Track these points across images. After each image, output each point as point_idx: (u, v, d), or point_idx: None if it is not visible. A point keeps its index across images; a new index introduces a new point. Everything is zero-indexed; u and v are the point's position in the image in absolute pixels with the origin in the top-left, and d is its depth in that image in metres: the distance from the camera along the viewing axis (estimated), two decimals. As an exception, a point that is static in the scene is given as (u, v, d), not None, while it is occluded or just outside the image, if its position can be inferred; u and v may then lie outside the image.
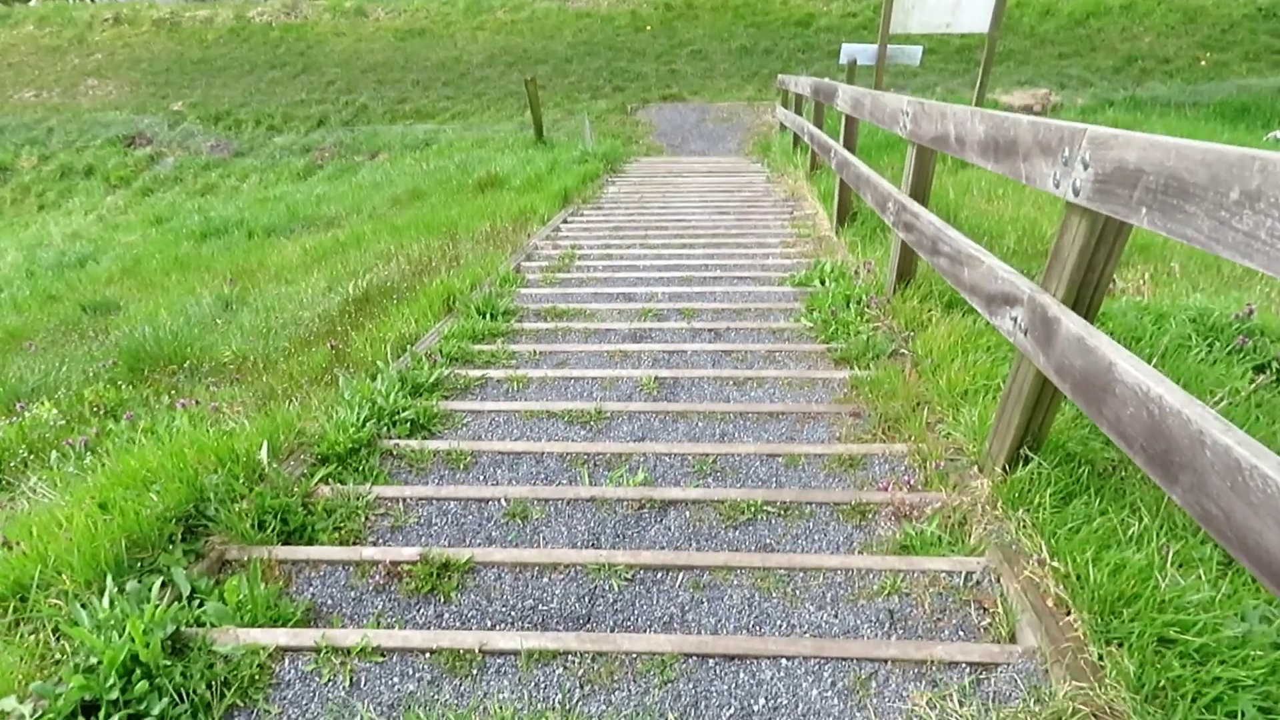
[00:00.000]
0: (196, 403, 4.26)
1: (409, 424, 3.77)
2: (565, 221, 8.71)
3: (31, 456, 3.94)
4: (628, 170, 13.15)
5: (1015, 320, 2.60)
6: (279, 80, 18.73)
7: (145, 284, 8.98)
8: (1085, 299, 2.38)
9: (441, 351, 4.64)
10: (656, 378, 4.26)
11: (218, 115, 17.46)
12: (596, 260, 6.88)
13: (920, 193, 4.34)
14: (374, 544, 2.95)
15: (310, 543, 2.93)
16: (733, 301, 5.62)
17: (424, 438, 3.74)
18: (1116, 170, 1.97)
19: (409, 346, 4.74)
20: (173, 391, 4.76)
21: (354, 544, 2.95)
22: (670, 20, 20.30)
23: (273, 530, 2.90)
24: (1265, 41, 16.52)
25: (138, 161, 16.01)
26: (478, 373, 4.39)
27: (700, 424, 3.79)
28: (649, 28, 20.10)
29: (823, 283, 5.69)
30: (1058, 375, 2.27)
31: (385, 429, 3.72)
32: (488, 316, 5.25)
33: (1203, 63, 16.20)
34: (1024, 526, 2.63)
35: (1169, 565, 2.23)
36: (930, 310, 4.57)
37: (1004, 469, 2.86)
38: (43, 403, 4.65)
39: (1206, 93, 14.87)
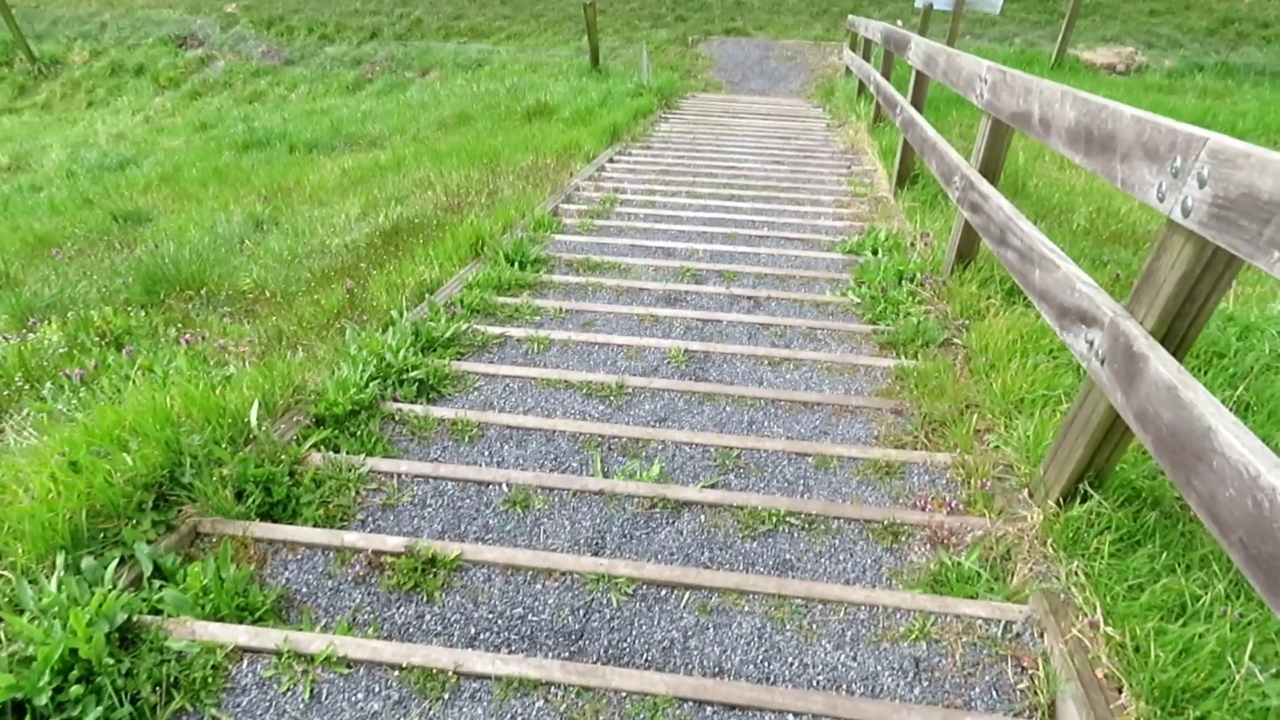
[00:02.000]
0: (203, 338, 4.07)
1: (417, 384, 3.53)
2: (611, 161, 8.34)
3: (27, 386, 3.76)
4: (683, 106, 12.66)
5: (1091, 344, 2.27)
6: (335, -13, 18.34)
7: (181, 194, 8.81)
8: (1179, 333, 2.05)
9: (463, 302, 4.38)
10: (686, 350, 3.97)
11: (270, 20, 17.10)
12: (638, 208, 6.54)
13: (991, 170, 3.95)
14: (362, 522, 2.73)
15: (294, 517, 2.72)
16: (777, 266, 5.28)
17: (431, 401, 3.51)
18: (1244, 197, 1.62)
19: (429, 294, 4.48)
20: (183, 322, 4.56)
21: (341, 522, 2.73)
22: (741, -52, 19.47)
23: (254, 501, 2.68)
24: (1377, 11, 15.43)
25: (188, 63, 15.75)
26: (497, 330, 4.13)
27: (728, 409, 3.50)
28: (719, -45, 19.30)
29: (875, 252, 5.33)
30: (1138, 422, 1.95)
31: (392, 388, 3.48)
32: (516, 265, 4.96)
33: (1306, 30, 15.18)
34: (1076, 575, 2.34)
35: (1248, 654, 1.93)
36: (989, 298, 4.21)
37: (1059, 502, 2.56)
38: (50, 323, 4.48)
39: (1306, 63, 13.94)
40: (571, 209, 6.38)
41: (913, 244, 5.30)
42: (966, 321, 4.14)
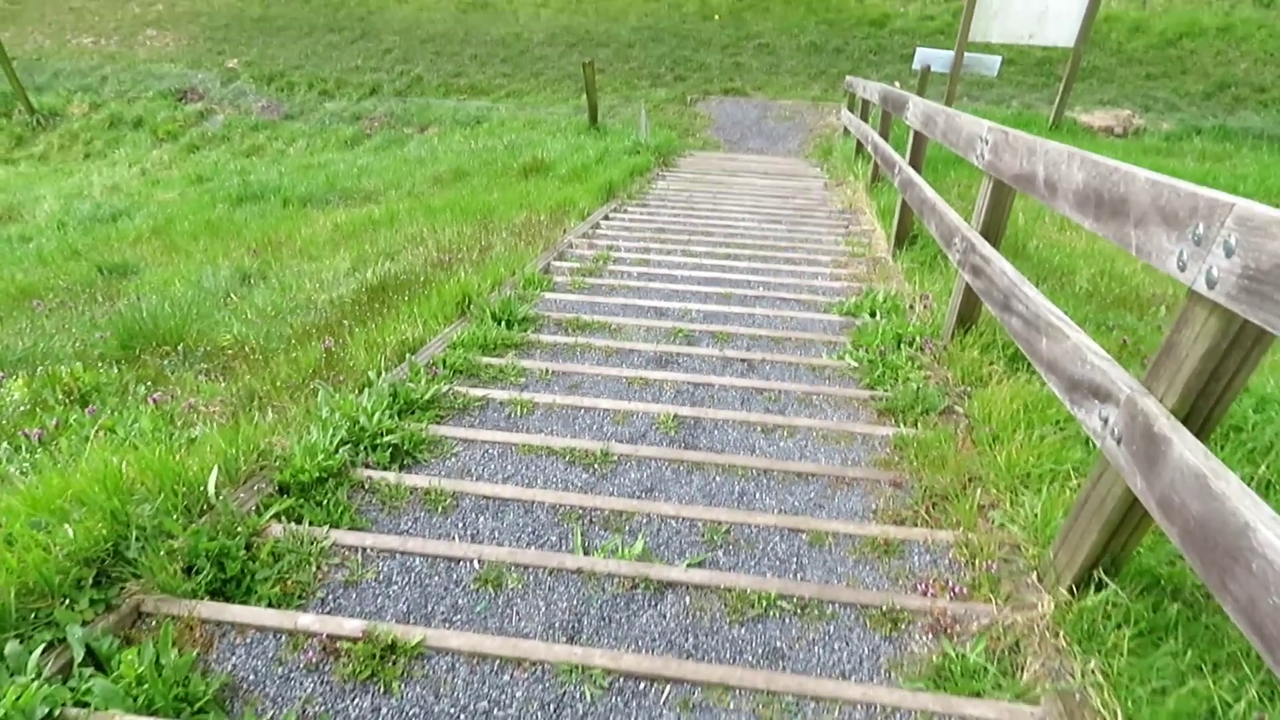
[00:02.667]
0: (173, 397, 3.90)
1: (391, 450, 3.35)
2: (606, 218, 8.25)
3: (-17, 445, 3.58)
4: (680, 165, 12.66)
5: (1106, 422, 2.10)
6: (336, 44, 18.42)
7: (171, 247, 8.71)
8: (1203, 412, 1.88)
9: (445, 362, 4.22)
10: (676, 415, 3.80)
11: (271, 75, 17.19)
12: (632, 266, 6.41)
13: (993, 233, 3.82)
14: (322, 601, 2.53)
15: (249, 595, 2.52)
16: (773, 327, 5.13)
17: (406, 467, 3.32)
18: (1278, 269, 1.47)
19: (411, 353, 4.32)
20: (155, 380, 4.39)
21: (299, 600, 2.53)
22: (740, 10, 19.69)
23: (205, 578, 2.48)
24: (1370, 78, 15.54)
25: (187, 116, 15.80)
26: (480, 392, 3.96)
27: (718, 479, 3.32)
28: (717, 17, 19.50)
29: (873, 314, 5.18)
30: (1161, 511, 1.78)
31: (364, 453, 3.30)
32: (503, 324, 4.81)
33: (1300, 96, 15.28)
34: (1093, 674, 2.14)
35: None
36: (991, 364, 4.05)
37: (1071, 589, 2.37)
38: (16, 378, 4.32)
39: (1303, 128, 13.99)
40: (563, 266, 6.26)
41: (912, 306, 5.16)
42: (968, 388, 3.98)
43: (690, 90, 16.92)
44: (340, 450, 3.19)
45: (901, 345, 4.53)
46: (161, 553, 2.46)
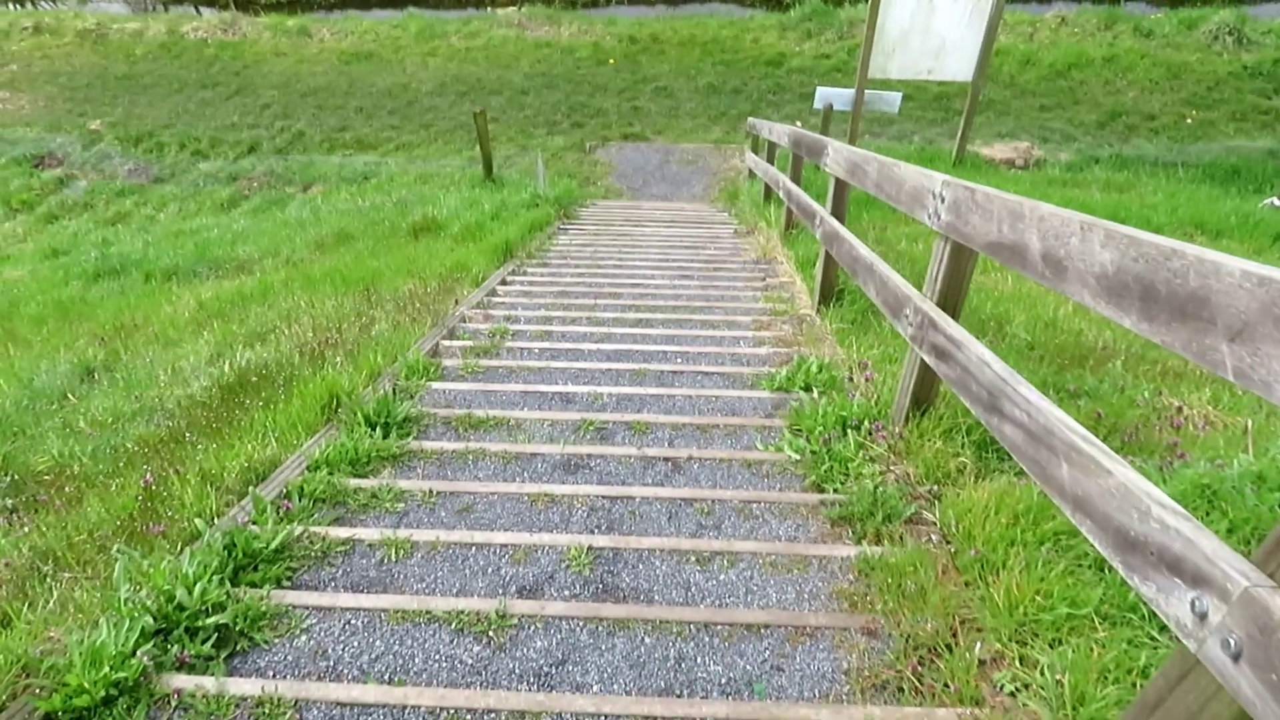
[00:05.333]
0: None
1: (216, 636, 2.54)
2: (503, 283, 7.51)
3: None
4: (583, 216, 12.02)
5: (1203, 618, 1.46)
6: (210, 101, 17.29)
7: (8, 336, 7.68)
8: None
9: (303, 490, 3.42)
10: (590, 548, 3.08)
11: (139, 136, 15.99)
12: (533, 341, 5.69)
13: (952, 304, 3.23)
14: None
15: None
16: (697, 412, 4.46)
17: (236, 657, 2.52)
18: None
19: (259, 482, 3.51)
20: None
21: None
22: (635, 54, 19.27)
23: None
24: (1252, 101, 15.86)
25: (44, 184, 14.51)
26: (344, 532, 3.17)
27: (648, 641, 2.60)
28: (612, 61, 19.04)
29: (808, 389, 4.57)
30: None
31: (178, 645, 2.48)
32: (379, 430, 4.02)
33: (1189, 121, 15.50)
34: None
35: None
36: (959, 456, 3.44)
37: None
38: None
39: (1195, 153, 14.14)
40: (454, 346, 5.49)
41: (851, 378, 4.56)
42: (935, 488, 3.36)
43: (589, 137, 16.36)
44: (141, 649, 2.37)
45: (847, 430, 3.89)
46: None
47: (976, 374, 2.61)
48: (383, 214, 11.30)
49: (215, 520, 3.12)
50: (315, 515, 3.31)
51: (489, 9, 22.37)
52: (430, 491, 3.50)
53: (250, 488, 3.38)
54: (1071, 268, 2.03)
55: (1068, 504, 1.99)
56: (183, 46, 19.49)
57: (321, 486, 3.45)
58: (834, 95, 12.25)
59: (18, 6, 23.15)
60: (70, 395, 5.74)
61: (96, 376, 6.11)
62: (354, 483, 3.55)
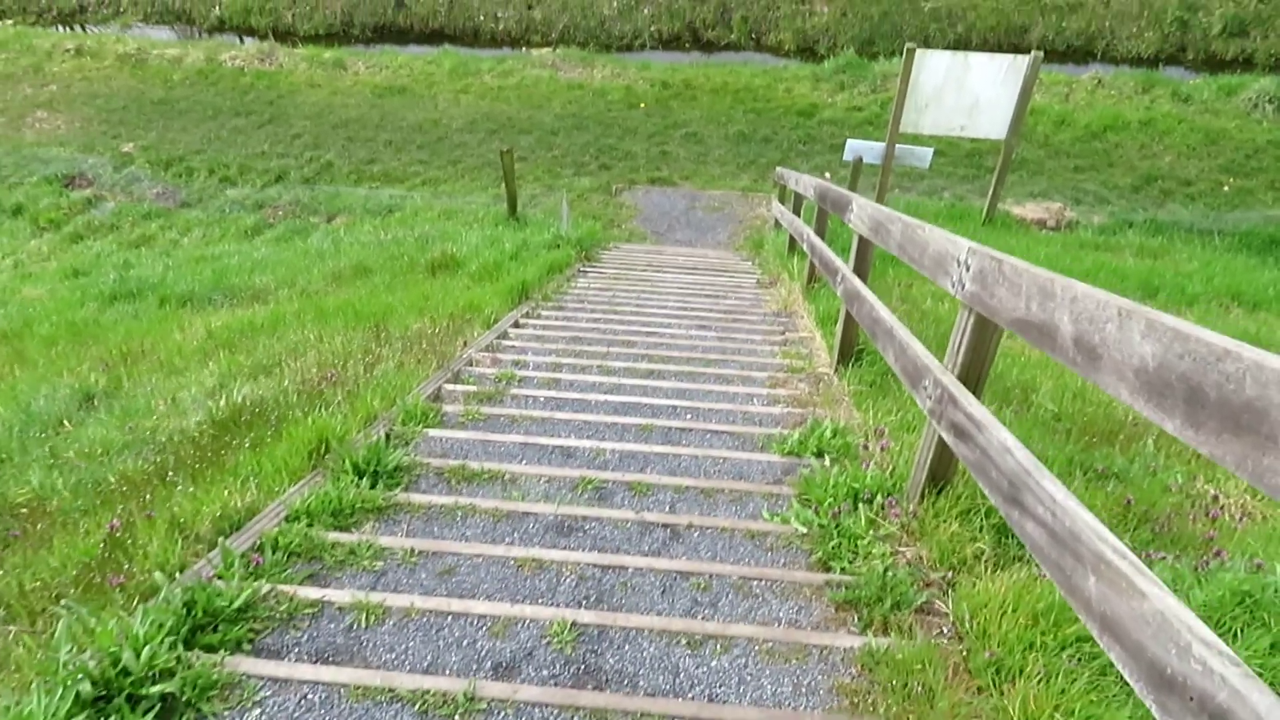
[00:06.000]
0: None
1: (159, 706, 2.34)
2: (516, 325, 7.36)
3: None
4: (604, 259, 11.90)
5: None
6: (242, 129, 17.42)
7: (16, 357, 7.60)
8: None
9: (277, 543, 3.23)
10: (574, 625, 2.86)
11: (169, 160, 16.09)
12: (539, 389, 5.51)
13: (974, 378, 3.02)
14: None
15: None
16: (702, 474, 4.25)
17: (180, 732, 2.32)
18: None
19: (233, 531, 3.33)
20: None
21: None
22: (666, 99, 19.28)
23: None
24: (1291, 171, 15.63)
25: (73, 204, 14.58)
26: (314, 593, 2.97)
27: (628, 737, 2.39)
28: (643, 105, 19.06)
29: (820, 454, 4.35)
30: None
31: (116, 716, 2.29)
32: (367, 479, 3.84)
33: (1226, 188, 15.24)
34: None
35: None
36: (976, 541, 3.21)
37: None
38: None
39: (1231, 221, 13.86)
40: (458, 391, 5.32)
41: (865, 446, 4.34)
42: (950, 574, 3.13)
43: (616, 179, 16.32)
44: (74, 723, 2.18)
45: (859, 504, 3.66)
46: None
47: (997, 460, 2.40)
48: (403, 248, 11.23)
49: (178, 574, 2.94)
50: (288, 571, 3.12)
51: (524, 49, 22.53)
52: (412, 550, 3.31)
53: (221, 538, 3.20)
54: (1107, 357, 1.82)
55: (1094, 622, 1.77)
56: (220, 74, 19.72)
57: (298, 539, 3.26)
58: (864, 148, 12.13)
59: (64, 28, 23.56)
60: (66, 422, 5.62)
61: (96, 403, 6.00)
62: (333, 536, 3.36)
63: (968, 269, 2.88)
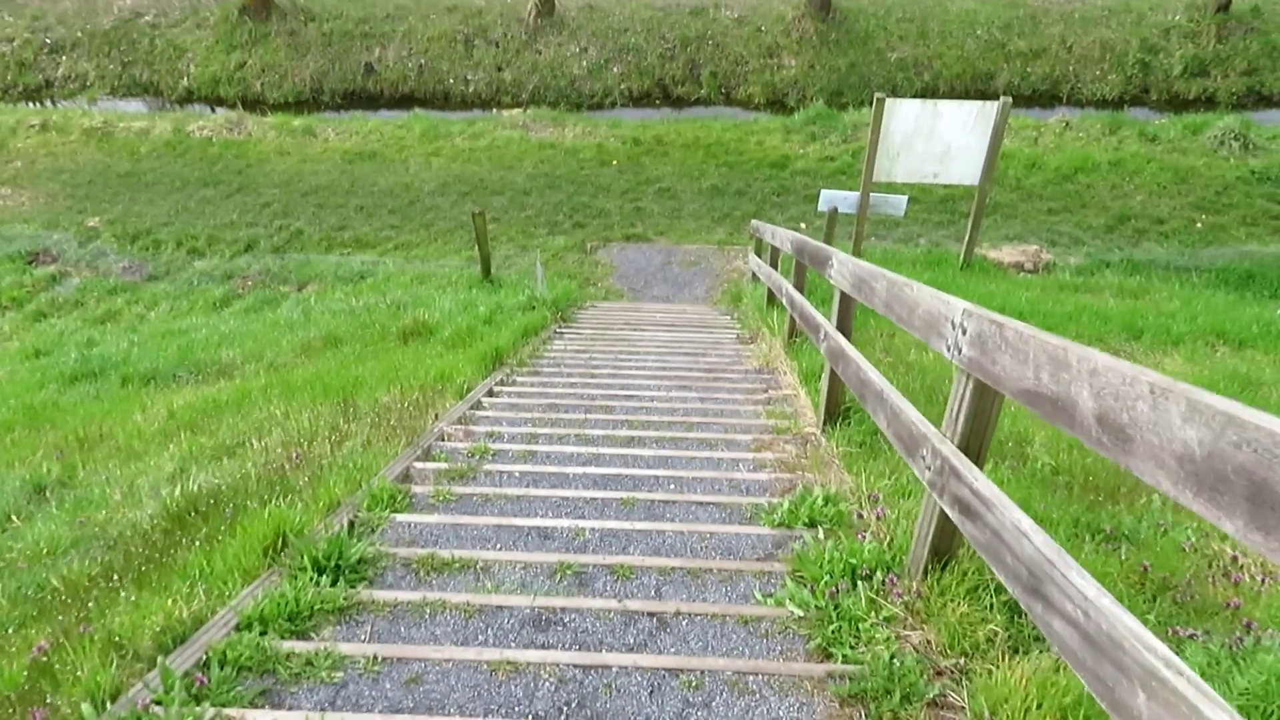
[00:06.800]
0: None
1: None
2: (490, 394, 7.11)
3: None
4: (580, 318, 11.71)
5: None
6: (211, 199, 17.22)
7: (-33, 446, 7.26)
8: None
9: (225, 657, 2.94)
10: (553, 742, 2.59)
11: (136, 234, 15.83)
12: (514, 463, 5.24)
13: (975, 448, 2.79)
14: None
15: None
16: (689, 552, 3.99)
17: None
18: None
19: (175, 645, 3.03)
20: None
21: None
22: (638, 155, 19.27)
23: None
24: (1262, 206, 15.66)
25: (36, 281, 14.28)
26: (264, 717, 2.68)
27: None
28: (615, 162, 19.04)
29: (812, 525, 4.11)
30: None
31: None
32: (327, 575, 3.55)
33: (1198, 225, 15.29)
34: None
35: None
36: (988, 622, 2.96)
37: None
38: None
39: (1207, 257, 13.88)
40: (428, 469, 5.05)
41: (860, 514, 4.10)
42: (961, 661, 2.87)
43: (590, 237, 16.20)
44: None
45: (858, 582, 3.41)
46: None
47: (1012, 545, 2.16)
48: (375, 316, 11.00)
49: (110, 702, 2.64)
50: (236, 689, 2.82)
51: (495, 110, 22.56)
52: (375, 658, 3.02)
53: (161, 656, 2.90)
54: (1140, 440, 1.60)
55: (1147, 749, 1.52)
56: (188, 145, 19.56)
57: (249, 651, 2.97)
58: (839, 198, 12.07)
59: (31, 104, 23.41)
60: (15, 517, 5.33)
61: (48, 494, 5.70)
62: (288, 646, 3.06)
63: (964, 332, 2.67)
